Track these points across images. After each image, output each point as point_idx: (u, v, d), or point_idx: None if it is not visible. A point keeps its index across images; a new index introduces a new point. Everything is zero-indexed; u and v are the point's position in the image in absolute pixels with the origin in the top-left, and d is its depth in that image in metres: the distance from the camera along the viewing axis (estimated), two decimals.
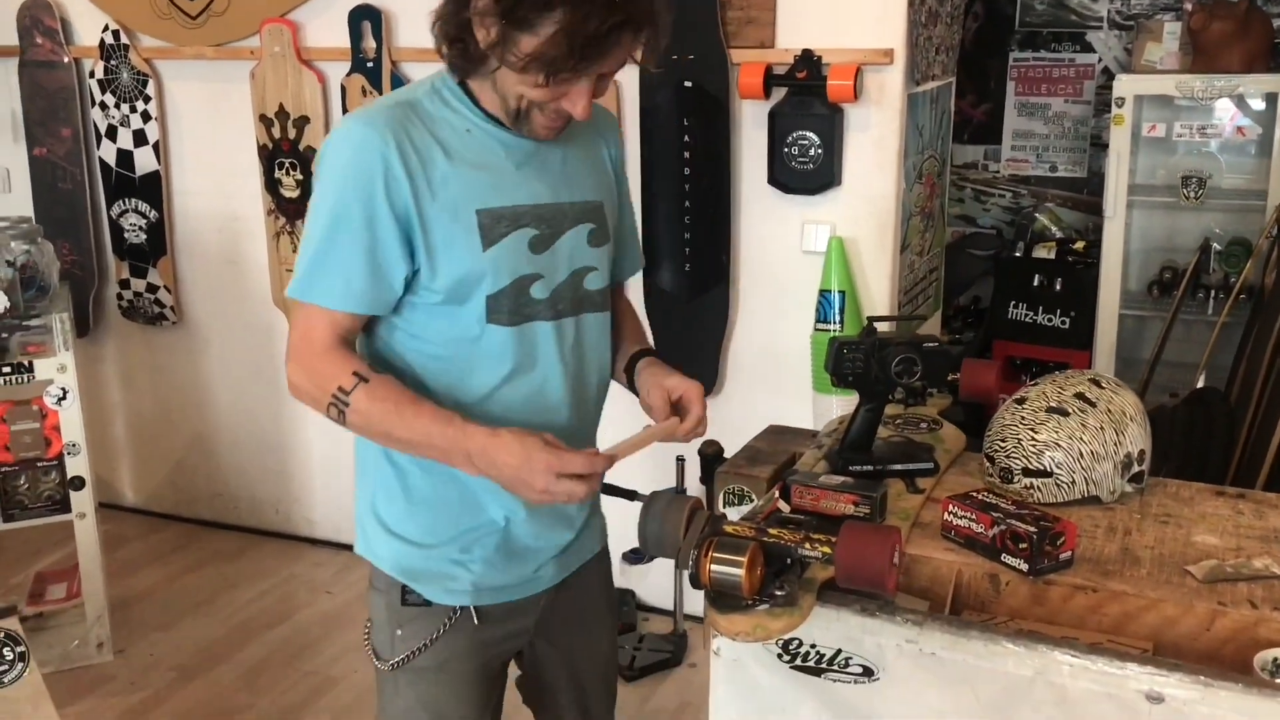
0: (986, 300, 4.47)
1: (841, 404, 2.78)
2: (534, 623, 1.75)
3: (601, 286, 1.68)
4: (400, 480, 1.63)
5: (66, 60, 3.86)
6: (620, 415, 1.84)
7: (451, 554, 1.64)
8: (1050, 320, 4.15)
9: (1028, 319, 4.19)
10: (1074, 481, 1.76)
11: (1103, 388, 1.82)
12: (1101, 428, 1.76)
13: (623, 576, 3.25)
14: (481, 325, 1.55)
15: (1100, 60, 4.36)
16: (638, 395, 1.73)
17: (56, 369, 3.06)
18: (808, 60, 2.86)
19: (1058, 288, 4.12)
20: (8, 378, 3.02)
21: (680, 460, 3.05)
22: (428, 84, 1.57)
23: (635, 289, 3.25)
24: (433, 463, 1.55)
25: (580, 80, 1.45)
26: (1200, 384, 3.59)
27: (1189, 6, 3.96)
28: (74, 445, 3.13)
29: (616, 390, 1.80)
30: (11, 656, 2.16)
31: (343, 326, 1.53)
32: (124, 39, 3.74)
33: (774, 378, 3.18)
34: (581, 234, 1.63)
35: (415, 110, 1.52)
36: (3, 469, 3.11)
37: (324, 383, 1.51)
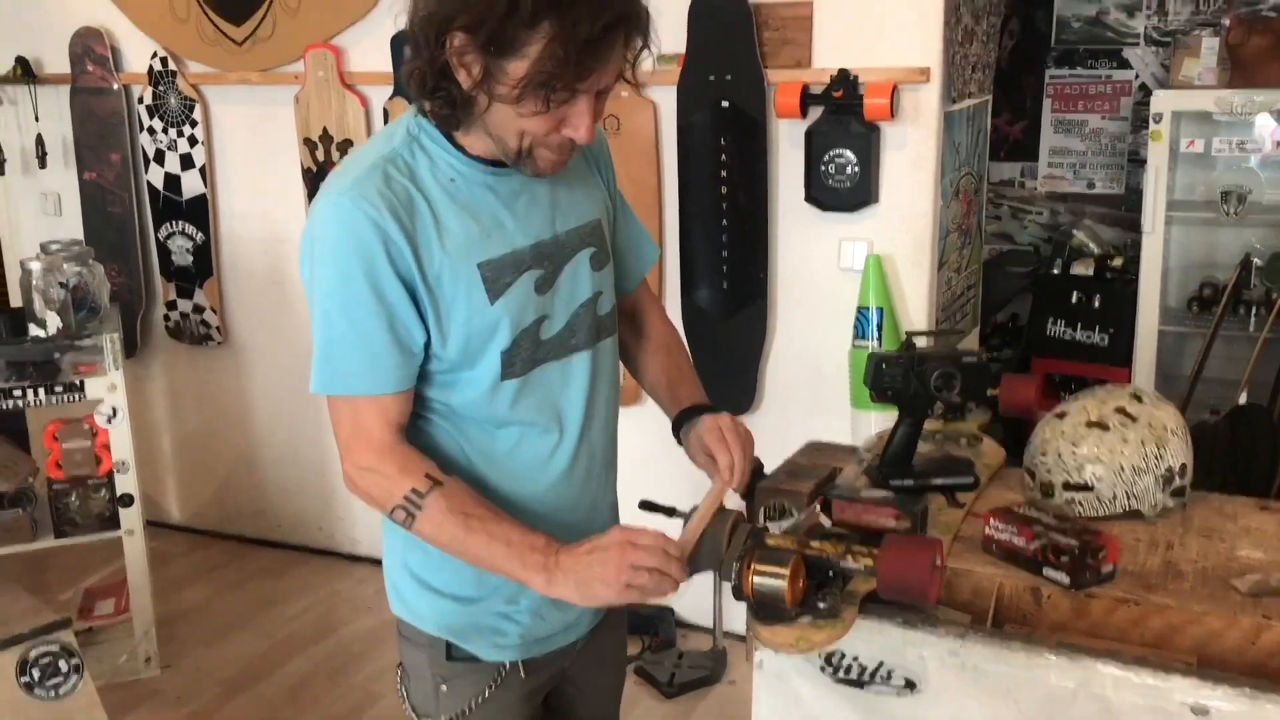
0: (1024, 318, 4.46)
1: (880, 421, 2.79)
2: (567, 666, 1.70)
3: (611, 308, 1.63)
4: None
5: (116, 87, 3.95)
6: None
7: (498, 607, 1.57)
8: (1089, 337, 4.13)
9: (1066, 336, 4.17)
10: (1115, 495, 1.76)
11: (1143, 402, 1.82)
12: (1143, 442, 1.76)
13: None
14: (495, 385, 1.49)
15: (1137, 76, 4.35)
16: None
17: (107, 388, 3.12)
18: (844, 79, 2.88)
19: (1096, 304, 4.11)
20: (59, 396, 3.09)
21: None
22: (402, 131, 1.47)
23: (673, 308, 3.28)
24: None
25: (579, 99, 1.37)
26: (1242, 400, 3.56)
27: (1226, 22, 3.94)
28: (123, 463, 3.19)
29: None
30: (67, 668, 2.22)
31: (392, 412, 1.45)
32: (172, 65, 3.83)
33: (812, 394, 3.19)
34: (583, 261, 1.56)
35: (397, 167, 1.42)
36: (54, 486, 3.18)
37: (391, 485, 1.44)
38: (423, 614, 1.60)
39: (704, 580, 3.22)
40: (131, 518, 3.24)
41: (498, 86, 1.34)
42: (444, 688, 1.61)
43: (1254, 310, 3.79)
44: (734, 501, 1.83)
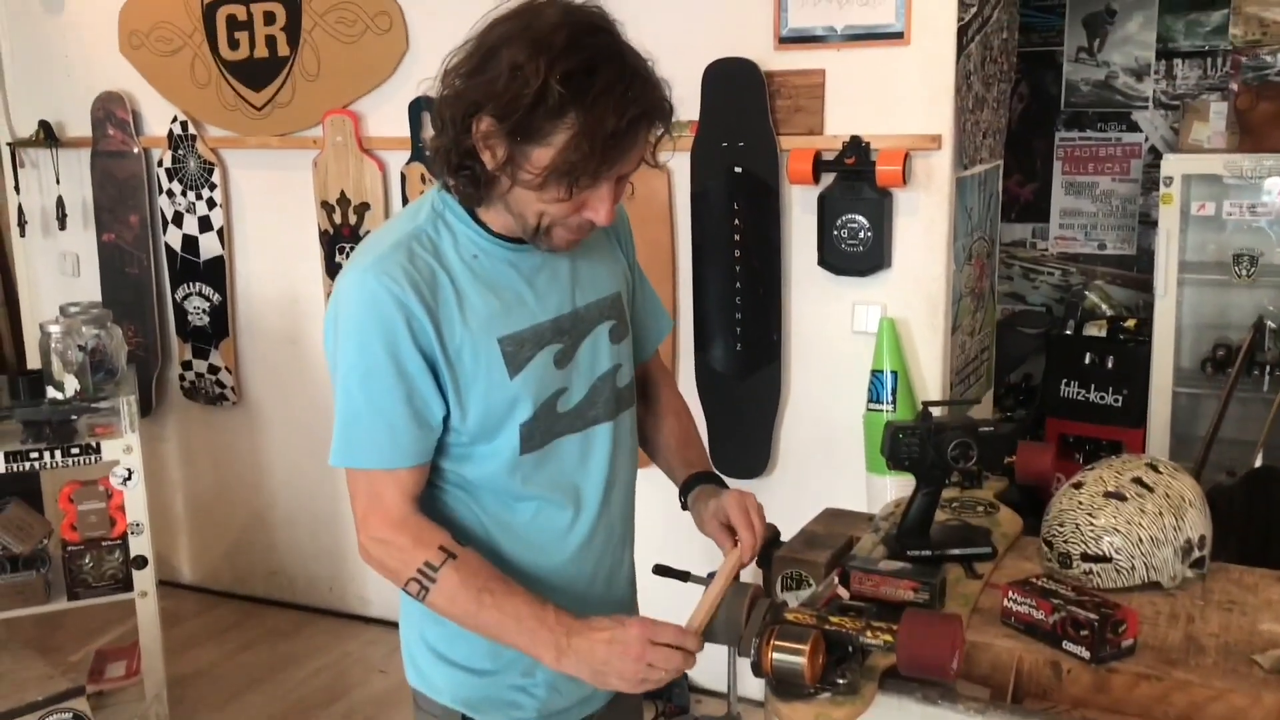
0: (1037, 378, 4.46)
1: (895, 485, 2.78)
2: None
3: (630, 380, 1.65)
4: None
5: (136, 150, 4.01)
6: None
7: (514, 679, 1.58)
8: (1103, 398, 4.13)
9: (1080, 397, 4.16)
10: (1134, 567, 1.75)
11: (1160, 472, 1.82)
12: (1160, 513, 1.76)
13: None
14: (515, 457, 1.50)
15: (1147, 139, 4.38)
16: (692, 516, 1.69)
17: (123, 450, 3.13)
18: (856, 146, 2.91)
19: (1109, 365, 4.11)
20: (76, 458, 3.10)
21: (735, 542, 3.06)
22: (427, 207, 1.50)
23: (687, 369, 3.29)
24: None
25: (601, 185, 1.39)
26: (1258, 463, 3.54)
27: (1235, 86, 3.99)
28: (138, 525, 3.19)
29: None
30: None
31: (408, 485, 1.47)
32: (191, 130, 3.89)
33: (826, 458, 3.18)
34: (602, 334, 1.58)
35: (421, 243, 1.45)
36: (69, 548, 3.18)
37: (406, 556, 1.45)
38: (439, 686, 1.60)
39: (718, 645, 3.20)
40: (145, 580, 3.23)
41: (521, 172, 1.37)
42: None
43: (1268, 371, 3.78)
44: (748, 573, 1.82)
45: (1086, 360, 4.15)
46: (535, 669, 1.56)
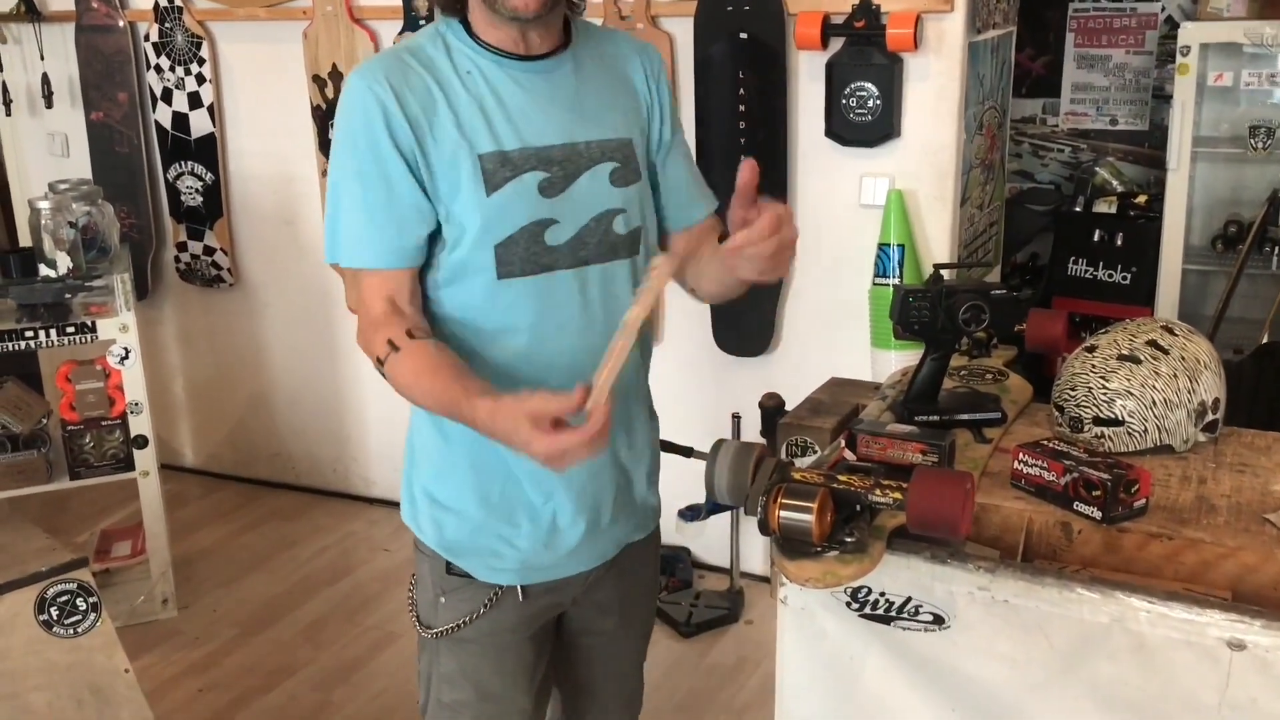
0: (1045, 257, 4.40)
1: (900, 360, 2.75)
2: (579, 595, 1.70)
3: (632, 229, 1.58)
4: (447, 453, 1.58)
5: (122, 24, 3.88)
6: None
7: (497, 529, 1.59)
8: (1111, 276, 4.08)
9: (1088, 275, 4.12)
10: (1146, 430, 1.72)
11: (1175, 335, 1.78)
12: (1175, 375, 1.72)
13: (678, 534, 3.25)
14: (493, 281, 1.49)
15: (1163, 9, 4.25)
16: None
17: (118, 329, 3.10)
18: (866, 9, 2.81)
19: (1119, 243, 4.05)
20: (71, 337, 3.07)
21: (736, 418, 3.04)
22: (432, 29, 1.54)
23: None
24: (482, 439, 1.41)
25: None
26: (1265, 339, 3.51)
27: None
28: (137, 404, 3.17)
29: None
30: (85, 606, 2.21)
31: (389, 287, 1.48)
32: (177, 1, 3.76)
33: (832, 333, 3.14)
34: (601, 175, 1.54)
35: (415, 55, 1.48)
36: (69, 428, 3.16)
37: (370, 351, 1.49)
38: (425, 529, 1.65)
39: (721, 520, 3.21)
40: (146, 459, 3.22)
41: None
42: (443, 600, 1.65)
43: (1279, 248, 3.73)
44: (752, 433, 1.78)
45: (1095, 238, 4.09)
46: (520, 519, 1.58)
